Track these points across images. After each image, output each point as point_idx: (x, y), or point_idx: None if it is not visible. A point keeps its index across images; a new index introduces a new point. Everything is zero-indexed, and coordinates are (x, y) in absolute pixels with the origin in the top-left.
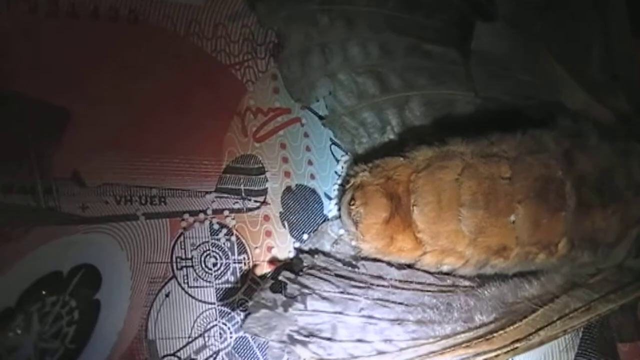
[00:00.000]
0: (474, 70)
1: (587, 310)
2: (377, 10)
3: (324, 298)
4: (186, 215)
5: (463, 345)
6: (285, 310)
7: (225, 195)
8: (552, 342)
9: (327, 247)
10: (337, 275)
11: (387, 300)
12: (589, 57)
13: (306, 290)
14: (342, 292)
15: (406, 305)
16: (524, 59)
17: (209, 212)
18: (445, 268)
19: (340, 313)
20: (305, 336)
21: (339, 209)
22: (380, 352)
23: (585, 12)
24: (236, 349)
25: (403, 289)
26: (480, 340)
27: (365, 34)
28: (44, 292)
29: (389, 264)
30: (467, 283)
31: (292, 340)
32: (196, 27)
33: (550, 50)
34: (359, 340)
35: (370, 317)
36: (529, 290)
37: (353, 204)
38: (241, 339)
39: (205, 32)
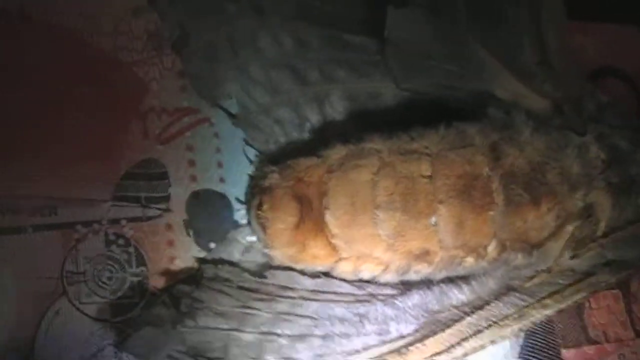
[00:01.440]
0: (391, 61)
1: (520, 317)
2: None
3: (218, 313)
4: (79, 227)
5: None
6: (173, 328)
7: (123, 203)
8: (490, 349)
9: (236, 256)
10: (239, 287)
11: (292, 314)
12: (520, 43)
13: (199, 305)
14: (241, 306)
15: (313, 318)
16: (446, 47)
17: (104, 222)
18: (364, 275)
19: (235, 330)
20: (192, 357)
21: (248, 214)
22: None
23: None
24: None
25: (312, 299)
26: (392, 354)
27: (277, 24)
28: None
29: (302, 272)
30: (387, 291)
31: None
32: (94, 22)
33: (477, 36)
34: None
35: (270, 333)
36: (458, 297)
37: (260, 209)
38: None
39: (105, 28)
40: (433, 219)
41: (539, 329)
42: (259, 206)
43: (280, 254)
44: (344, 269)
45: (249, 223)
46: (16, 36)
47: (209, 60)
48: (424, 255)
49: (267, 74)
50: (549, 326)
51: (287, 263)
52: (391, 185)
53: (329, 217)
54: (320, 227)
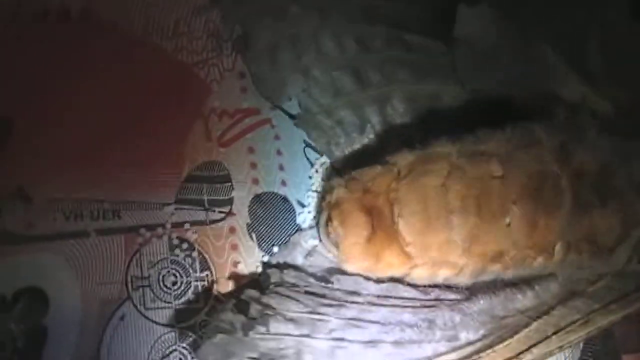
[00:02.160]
0: (459, 60)
1: (586, 323)
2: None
3: (289, 319)
4: (142, 230)
5: None
6: (245, 335)
7: (186, 206)
8: None
9: (299, 260)
10: (306, 293)
11: (361, 320)
12: (586, 44)
13: (270, 311)
14: (310, 312)
15: (382, 324)
16: (513, 47)
17: (168, 225)
18: (439, 280)
19: (306, 336)
20: None
21: (316, 223)
22: None
23: None
24: None
25: (380, 305)
26: None
27: (340, 25)
28: None
29: (367, 278)
30: (452, 296)
31: None
32: (155, 24)
33: (543, 36)
34: None
35: (341, 339)
36: (522, 302)
37: (330, 225)
38: None
39: (165, 29)
40: (507, 220)
41: (598, 333)
42: (329, 222)
43: (355, 267)
44: (419, 275)
45: (312, 226)
46: (79, 36)
47: (271, 61)
48: (498, 257)
49: (329, 75)
50: (608, 331)
51: (363, 274)
52: (463, 188)
53: (402, 226)
54: (393, 237)
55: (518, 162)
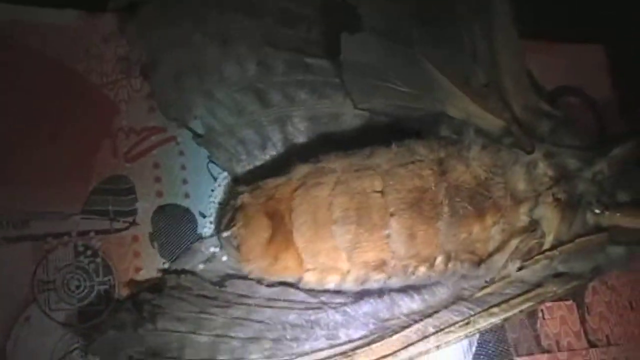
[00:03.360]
0: (348, 83)
1: (466, 324)
2: (254, 28)
3: (177, 318)
4: (49, 239)
5: None
6: (134, 331)
7: (92, 216)
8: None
9: (198, 266)
10: (198, 295)
11: (246, 319)
12: (473, 64)
13: (159, 311)
14: (199, 312)
15: (266, 323)
16: (400, 69)
17: (74, 234)
18: (329, 285)
19: (191, 332)
20: (151, 356)
21: (216, 229)
22: None
23: (467, 17)
24: None
25: (267, 307)
26: (340, 356)
27: (242, 52)
28: None
29: (259, 282)
30: (339, 300)
31: None
32: (67, 47)
33: (430, 58)
34: None
35: (224, 335)
36: (409, 305)
37: (233, 226)
38: None
39: (77, 52)
40: (387, 231)
41: (491, 337)
42: (231, 223)
43: (253, 267)
44: (310, 279)
45: (212, 235)
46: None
47: (176, 86)
48: (380, 265)
49: (232, 97)
50: (500, 335)
51: (259, 275)
52: (346, 201)
53: (295, 233)
54: (290, 241)
55: (398, 177)
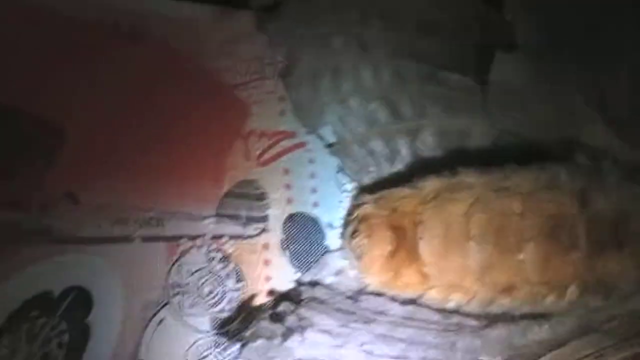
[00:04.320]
0: (491, 101)
1: (599, 357)
2: (394, 35)
3: (324, 330)
4: (184, 240)
5: None
6: (284, 341)
7: (225, 220)
8: None
9: (328, 279)
10: (337, 309)
11: (390, 336)
12: (619, 91)
13: (305, 322)
14: (342, 326)
15: (409, 343)
16: (542, 91)
17: (208, 237)
18: (451, 304)
19: (339, 346)
20: None
21: (343, 242)
22: None
23: (618, 45)
24: None
25: (406, 325)
26: None
27: (380, 59)
28: (33, 313)
29: (392, 299)
30: (473, 323)
31: None
32: (201, 45)
33: (572, 81)
34: None
35: (371, 352)
36: (539, 334)
37: (356, 236)
38: None
39: (210, 50)
40: (521, 255)
41: None
42: (355, 234)
43: (374, 280)
44: (434, 296)
45: (341, 248)
46: (129, 51)
47: (311, 89)
48: (509, 289)
49: (365, 106)
50: None
51: (379, 289)
52: (484, 219)
53: (422, 247)
54: (413, 256)
55: (539, 202)
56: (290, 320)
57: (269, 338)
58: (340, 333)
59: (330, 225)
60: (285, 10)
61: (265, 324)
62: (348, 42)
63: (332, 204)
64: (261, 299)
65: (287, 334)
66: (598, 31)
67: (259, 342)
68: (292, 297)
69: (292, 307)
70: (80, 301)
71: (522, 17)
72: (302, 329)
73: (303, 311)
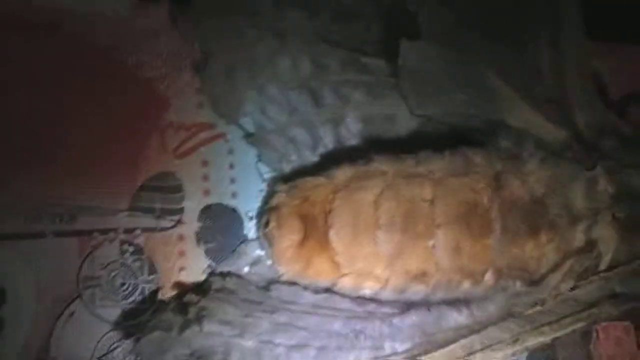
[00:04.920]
0: (405, 88)
1: (514, 342)
2: (309, 23)
3: (223, 321)
4: (96, 234)
5: None
6: (180, 333)
7: (139, 213)
8: None
9: (243, 269)
10: (244, 299)
11: (291, 325)
12: (537, 72)
13: (205, 313)
14: (244, 316)
15: (311, 330)
16: (459, 76)
17: (120, 230)
18: (365, 292)
19: (237, 336)
20: (196, 358)
21: (257, 227)
22: None
23: (532, 25)
24: None
25: (313, 313)
26: None
27: (296, 47)
28: None
29: (305, 288)
30: (386, 310)
31: None
32: (118, 39)
33: (492, 65)
34: None
35: (269, 341)
36: (456, 319)
37: (267, 227)
38: None
39: (128, 44)
40: (431, 242)
41: (540, 355)
42: (266, 224)
43: (286, 270)
44: (346, 284)
45: (257, 238)
46: (45, 49)
47: (228, 81)
48: (421, 276)
49: (284, 95)
50: (551, 354)
51: (293, 278)
52: (393, 207)
53: (332, 235)
54: (324, 245)
55: (450, 188)
56: (192, 311)
57: (167, 330)
58: (240, 322)
59: (249, 216)
60: (197, 2)
61: (165, 316)
62: (263, 33)
63: (251, 194)
64: (173, 291)
65: (185, 325)
66: (510, 10)
67: (155, 334)
68: (202, 288)
69: (195, 299)
70: None
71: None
72: (201, 319)
73: (206, 302)
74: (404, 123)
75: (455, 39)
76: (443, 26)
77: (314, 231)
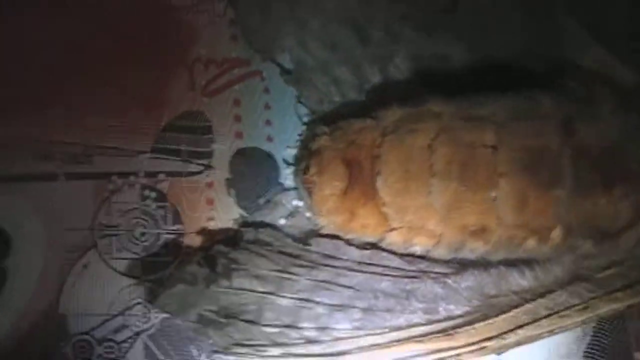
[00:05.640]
0: (463, 22)
1: (584, 309)
2: None
3: (255, 276)
4: (114, 177)
5: (416, 339)
6: (207, 287)
7: (163, 156)
8: (549, 346)
9: (280, 220)
10: (280, 252)
11: (334, 283)
12: (615, 12)
13: (235, 266)
14: (280, 271)
15: (356, 290)
16: (522, 11)
17: (141, 174)
18: (416, 249)
19: (271, 294)
20: (224, 317)
21: (294, 172)
22: (311, 341)
23: None
24: (161, 332)
25: (358, 271)
26: (438, 335)
27: None
28: None
29: (349, 242)
30: (440, 269)
31: (204, 321)
32: None
33: (564, 4)
34: (287, 326)
35: (308, 300)
36: (518, 282)
37: (307, 173)
38: (168, 321)
39: None
40: (493, 193)
41: (608, 326)
42: (306, 170)
43: (327, 222)
44: (395, 239)
45: (295, 186)
46: None
47: (264, 10)
48: (480, 232)
49: (327, 29)
50: (620, 325)
51: (335, 231)
52: (449, 152)
53: (380, 184)
54: (370, 195)
55: (515, 132)
56: (220, 264)
57: (191, 283)
58: (275, 278)
59: (286, 162)
60: None
61: (190, 268)
62: None
63: (289, 138)
64: (200, 242)
65: (213, 278)
66: None
67: (178, 287)
68: (233, 239)
69: (225, 250)
70: None
71: None
72: (230, 273)
73: (236, 254)
74: (459, 63)
75: None
76: None
77: (360, 179)
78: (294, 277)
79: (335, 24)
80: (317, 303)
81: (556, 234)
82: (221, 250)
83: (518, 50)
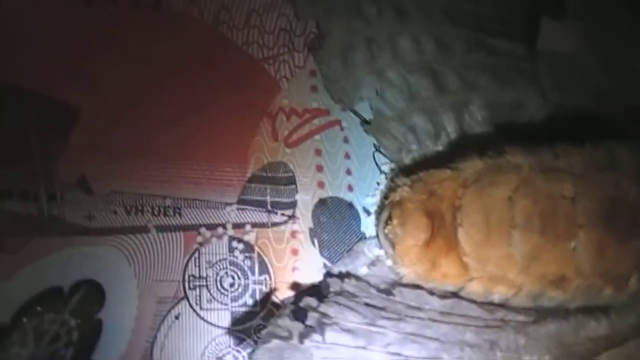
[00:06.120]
0: (543, 72)
1: None
2: (433, 1)
3: (346, 330)
4: (202, 229)
5: None
6: (301, 342)
7: (249, 207)
8: None
9: (362, 270)
10: (366, 304)
11: (421, 335)
12: None
13: (327, 320)
14: (368, 324)
15: (442, 341)
16: (603, 60)
17: (229, 226)
18: (495, 298)
19: (362, 348)
20: None
21: (375, 223)
22: None
23: None
24: None
25: (442, 322)
26: None
27: (419, 27)
28: (41, 309)
29: (431, 292)
30: (520, 318)
31: None
32: (226, 15)
33: (637, 49)
34: None
35: (398, 354)
36: (595, 330)
37: (390, 223)
38: None
39: (236, 21)
40: (572, 244)
41: None
42: (388, 220)
43: (409, 272)
44: (475, 289)
45: (376, 235)
46: (148, 24)
47: (344, 62)
48: (559, 281)
49: (405, 79)
50: None
51: (416, 281)
52: (530, 204)
53: (461, 235)
54: (451, 245)
55: (593, 184)
56: (311, 318)
57: (286, 338)
58: (365, 332)
59: (366, 211)
60: None
61: (283, 322)
62: (383, 9)
63: (368, 187)
64: (287, 293)
65: (306, 333)
66: None
67: (274, 342)
68: (319, 290)
69: (314, 304)
70: (91, 296)
71: None
72: (322, 328)
73: (326, 308)
74: (533, 112)
75: (603, 20)
76: (587, 2)
77: (442, 229)
78: (382, 330)
79: (412, 72)
80: (407, 357)
81: (633, 281)
82: (310, 304)
83: (595, 98)
